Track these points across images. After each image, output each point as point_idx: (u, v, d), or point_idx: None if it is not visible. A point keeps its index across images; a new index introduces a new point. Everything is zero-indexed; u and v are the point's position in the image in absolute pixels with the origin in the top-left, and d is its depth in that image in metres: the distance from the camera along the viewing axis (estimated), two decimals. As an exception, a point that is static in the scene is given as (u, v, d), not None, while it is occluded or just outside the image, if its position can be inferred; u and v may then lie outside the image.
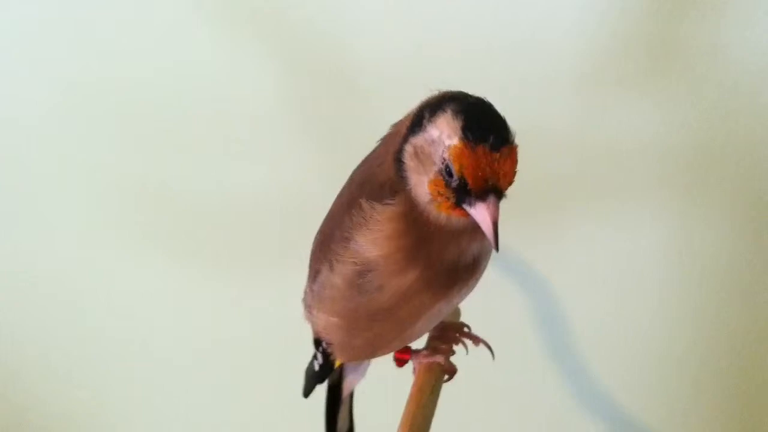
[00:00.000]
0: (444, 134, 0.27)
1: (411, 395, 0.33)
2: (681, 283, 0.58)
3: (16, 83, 0.61)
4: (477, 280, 0.31)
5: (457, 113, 0.27)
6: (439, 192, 0.28)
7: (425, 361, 0.34)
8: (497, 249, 0.27)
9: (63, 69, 0.60)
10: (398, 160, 0.29)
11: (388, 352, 0.34)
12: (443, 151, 0.27)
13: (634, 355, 0.60)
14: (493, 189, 0.27)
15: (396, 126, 0.31)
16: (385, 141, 0.32)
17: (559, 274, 0.59)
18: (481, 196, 0.27)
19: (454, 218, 0.28)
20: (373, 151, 0.32)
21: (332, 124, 0.57)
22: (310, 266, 0.33)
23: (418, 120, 0.29)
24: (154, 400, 0.70)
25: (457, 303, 0.32)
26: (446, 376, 0.35)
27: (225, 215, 0.61)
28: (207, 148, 0.60)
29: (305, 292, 0.34)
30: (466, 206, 0.27)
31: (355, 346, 0.33)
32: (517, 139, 0.28)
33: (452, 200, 0.28)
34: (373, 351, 0.33)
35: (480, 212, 0.27)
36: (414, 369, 0.35)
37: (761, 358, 0.59)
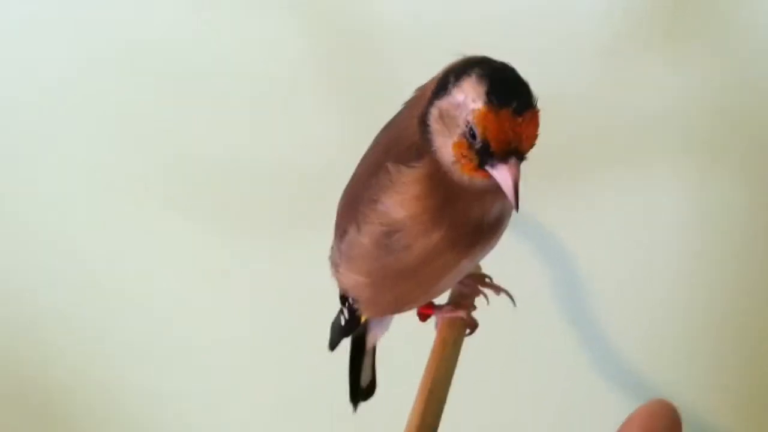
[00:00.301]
0: (469, 98, 0.28)
1: (433, 349, 0.34)
2: (702, 247, 0.58)
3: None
4: (498, 238, 0.32)
5: (481, 77, 0.28)
6: (462, 154, 0.29)
7: (447, 315, 0.35)
8: (517, 209, 0.28)
9: (79, 39, 0.59)
10: (424, 123, 0.30)
11: (413, 308, 0.35)
12: (467, 114, 0.28)
13: (653, 319, 0.60)
14: (515, 151, 0.28)
15: (421, 90, 0.32)
16: (410, 105, 0.33)
17: (578, 239, 0.59)
18: (503, 158, 0.28)
19: (478, 179, 0.29)
20: (398, 115, 0.33)
21: (356, 86, 0.57)
22: (337, 225, 0.34)
23: (443, 84, 0.29)
24: (167, 373, 0.69)
25: (480, 260, 0.33)
26: (468, 330, 0.36)
27: (246, 178, 0.61)
28: (226, 109, 0.60)
29: (332, 250, 0.35)
30: (488, 168, 0.28)
31: (382, 302, 0.34)
32: (540, 104, 0.28)
33: (475, 162, 0.29)
34: (399, 307, 0.35)
35: (502, 174, 0.28)
36: (436, 323, 0.36)
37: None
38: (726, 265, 0.58)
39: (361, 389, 0.42)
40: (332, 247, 0.35)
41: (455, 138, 0.28)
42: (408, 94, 0.33)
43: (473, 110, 0.28)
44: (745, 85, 0.52)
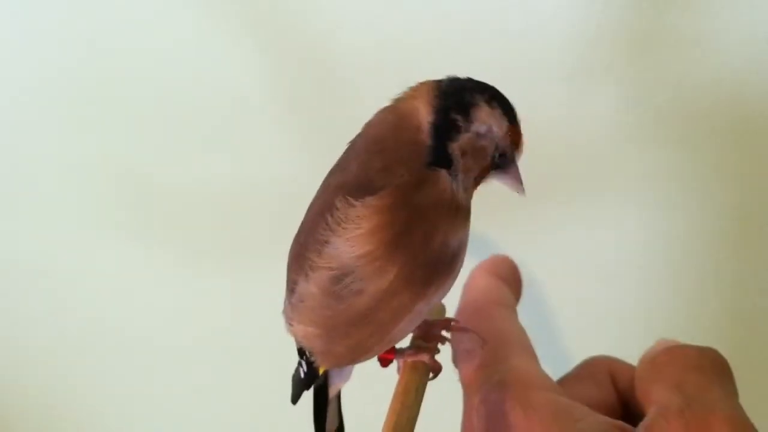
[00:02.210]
0: (493, 125, 0.30)
1: (395, 395, 0.32)
2: (664, 269, 0.58)
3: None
4: (454, 279, 0.31)
5: (491, 104, 0.30)
6: (484, 174, 0.32)
7: (410, 360, 0.34)
8: (524, 191, 0.33)
9: (42, 66, 0.58)
10: (437, 160, 0.30)
11: (370, 357, 0.33)
12: (497, 138, 0.31)
13: (617, 341, 0.60)
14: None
15: (359, 138, 0.31)
16: (352, 149, 0.31)
17: (542, 263, 0.58)
18: (514, 159, 0.32)
19: (459, 201, 0.31)
20: (346, 158, 0.31)
21: (317, 114, 0.57)
22: (287, 280, 0.33)
23: (447, 124, 0.30)
24: (139, 388, 0.69)
25: (436, 302, 0.32)
26: (431, 374, 0.34)
27: (208, 207, 0.60)
28: (188, 139, 0.59)
29: (284, 304, 0.33)
30: (499, 174, 0.32)
31: (336, 354, 0.32)
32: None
33: (486, 176, 0.32)
34: (355, 357, 0.33)
35: (514, 171, 0.32)
36: (398, 368, 0.35)
37: (742, 340, 0.59)
38: (690, 287, 0.58)
39: None
40: (284, 302, 0.33)
41: (484, 163, 0.31)
42: (369, 115, 0.32)
43: (504, 134, 0.31)
44: (710, 109, 0.53)
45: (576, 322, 0.60)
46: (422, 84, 0.31)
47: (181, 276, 0.63)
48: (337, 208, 0.29)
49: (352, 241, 0.28)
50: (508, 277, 0.40)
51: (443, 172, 0.30)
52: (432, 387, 0.34)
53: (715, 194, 0.55)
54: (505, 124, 0.30)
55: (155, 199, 0.61)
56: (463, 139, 0.30)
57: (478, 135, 0.30)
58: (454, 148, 0.30)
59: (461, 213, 0.30)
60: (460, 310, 0.37)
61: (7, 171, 0.63)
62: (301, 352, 0.35)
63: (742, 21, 0.50)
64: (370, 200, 0.28)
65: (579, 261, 0.58)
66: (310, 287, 0.30)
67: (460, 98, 0.30)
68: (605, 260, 0.58)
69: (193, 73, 0.57)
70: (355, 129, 0.33)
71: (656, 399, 0.28)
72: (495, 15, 0.51)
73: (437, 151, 0.30)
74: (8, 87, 0.60)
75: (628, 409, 0.33)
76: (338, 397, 0.40)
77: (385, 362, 0.35)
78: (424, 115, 0.30)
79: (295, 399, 0.37)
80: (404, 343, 0.35)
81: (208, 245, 0.62)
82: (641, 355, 0.31)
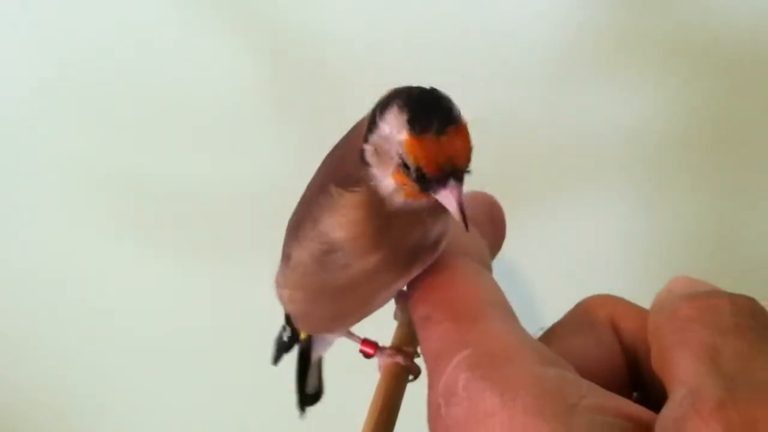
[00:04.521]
0: (394, 130, 0.27)
1: (373, 399, 0.32)
2: (645, 264, 0.58)
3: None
4: (436, 256, 0.31)
5: (402, 107, 0.27)
6: (403, 183, 0.28)
7: (389, 360, 0.33)
8: (467, 229, 0.27)
9: (33, 66, 0.58)
10: (362, 159, 0.29)
11: (348, 326, 0.34)
12: (396, 146, 0.27)
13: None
14: (452, 172, 0.27)
15: (360, 122, 0.31)
16: (351, 133, 0.31)
17: (527, 258, 0.58)
18: (442, 181, 0.27)
19: (421, 201, 0.28)
20: (342, 141, 0.32)
21: (310, 114, 0.56)
22: (283, 251, 0.33)
23: (372, 119, 0.28)
24: (136, 393, 0.69)
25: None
26: (411, 376, 0.34)
27: (203, 205, 0.60)
28: (182, 138, 0.59)
29: (277, 274, 0.34)
30: (431, 193, 0.27)
31: (317, 318, 0.33)
32: (466, 117, 0.27)
33: (416, 189, 0.27)
34: (333, 324, 0.34)
35: (444, 198, 0.27)
36: (379, 366, 0.34)
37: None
38: (668, 278, 0.58)
39: (307, 395, 0.42)
40: (278, 271, 0.34)
41: (392, 169, 0.28)
42: (358, 117, 0.32)
43: (400, 142, 0.27)
44: (686, 110, 0.53)
45: (559, 313, 0.60)
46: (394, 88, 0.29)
47: (174, 274, 0.63)
48: (330, 194, 0.29)
49: (340, 225, 0.29)
50: (481, 219, 0.33)
51: (365, 172, 0.28)
52: (413, 389, 0.34)
53: (697, 188, 0.55)
54: (403, 133, 0.26)
55: (149, 198, 0.60)
56: (374, 136, 0.28)
57: (385, 137, 0.27)
58: (368, 144, 0.28)
59: (425, 212, 0.28)
60: None
61: (2, 170, 0.62)
62: (288, 318, 0.36)
63: (724, 19, 0.50)
64: (352, 194, 0.29)
65: (563, 255, 0.58)
66: (303, 256, 0.31)
67: (391, 99, 0.28)
68: (589, 254, 0.58)
69: (186, 73, 0.57)
70: (343, 131, 0.33)
71: (683, 375, 0.21)
72: (480, 17, 0.51)
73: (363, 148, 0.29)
74: (4, 87, 0.59)
75: (635, 368, 0.26)
76: (320, 361, 0.41)
77: (366, 355, 0.35)
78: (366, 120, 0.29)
79: (275, 360, 0.39)
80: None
81: (202, 243, 0.62)
82: (656, 297, 0.24)
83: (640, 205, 0.56)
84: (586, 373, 0.23)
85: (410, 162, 0.27)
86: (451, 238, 0.30)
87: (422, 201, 0.28)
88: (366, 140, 0.28)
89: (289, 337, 0.37)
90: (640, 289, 0.57)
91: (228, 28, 0.55)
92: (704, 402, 0.19)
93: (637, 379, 0.26)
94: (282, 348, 0.38)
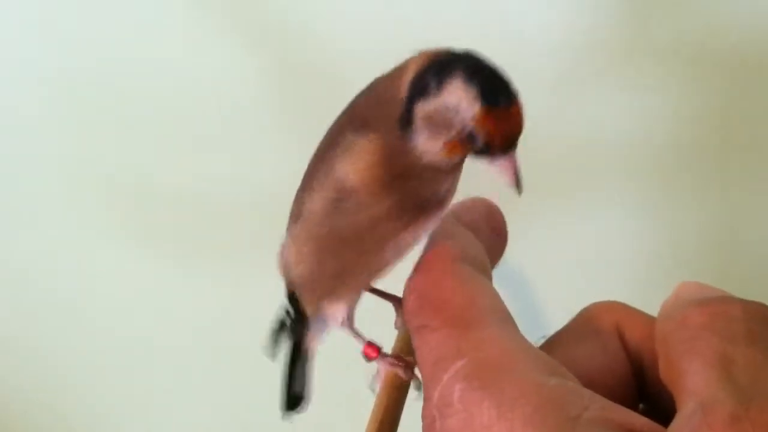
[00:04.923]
0: (462, 102, 0.27)
1: (373, 410, 0.31)
2: (650, 268, 0.58)
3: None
4: (443, 213, 0.31)
5: (469, 78, 0.27)
6: (455, 152, 0.28)
7: (389, 368, 0.33)
8: (520, 193, 0.28)
9: (37, 68, 0.58)
10: (405, 120, 0.28)
11: (356, 288, 0.33)
12: (465, 119, 0.27)
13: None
14: (512, 143, 0.28)
15: (385, 78, 0.31)
16: (374, 88, 0.31)
17: (529, 264, 0.58)
18: (504, 152, 0.28)
19: (452, 161, 0.28)
20: (361, 95, 0.32)
21: (313, 118, 0.56)
22: (292, 213, 0.33)
23: (422, 85, 0.28)
24: (133, 393, 0.69)
25: (423, 236, 0.31)
26: (415, 386, 0.32)
27: (202, 209, 0.60)
28: (184, 140, 0.58)
29: (282, 244, 0.34)
30: (485, 161, 0.28)
31: (324, 278, 0.32)
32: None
33: (466, 155, 0.28)
34: (339, 284, 0.32)
35: (503, 166, 0.28)
36: (377, 372, 0.34)
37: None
38: (678, 278, 0.58)
39: (293, 396, 0.39)
40: (283, 240, 0.34)
41: (447, 139, 0.28)
42: None
43: (472, 116, 0.27)
44: (697, 111, 0.53)
45: (562, 320, 0.60)
46: (429, 49, 0.30)
47: (176, 275, 0.63)
48: (346, 139, 0.30)
49: (354, 172, 0.29)
50: (480, 225, 0.32)
51: (407, 131, 0.28)
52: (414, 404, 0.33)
53: (702, 193, 0.55)
54: (477, 107, 0.27)
55: (151, 200, 0.60)
56: (429, 104, 0.28)
57: (446, 107, 0.27)
58: (419, 109, 0.28)
59: (443, 169, 0.29)
60: (412, 273, 0.30)
61: (5, 170, 0.62)
62: (291, 297, 0.35)
63: (729, 23, 0.50)
64: (369, 141, 0.29)
65: (566, 260, 0.58)
66: (314, 205, 0.31)
67: (445, 66, 0.28)
68: (592, 258, 0.58)
69: (188, 74, 0.57)
70: None
71: (693, 386, 0.19)
72: (485, 21, 0.51)
73: (407, 110, 0.28)
74: (5, 90, 0.59)
75: (642, 377, 0.25)
76: (310, 363, 0.39)
77: (368, 358, 0.34)
78: (410, 72, 0.29)
79: (271, 350, 0.37)
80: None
81: (205, 246, 0.61)
82: (663, 304, 0.24)
83: (643, 209, 0.56)
84: (590, 382, 0.22)
85: (481, 135, 0.27)
86: (447, 243, 0.29)
87: (455, 160, 0.28)
88: (414, 101, 0.28)
89: (290, 319, 0.36)
90: (644, 294, 0.57)
91: (234, 31, 0.55)
92: (716, 415, 0.18)
93: (644, 390, 0.25)
94: (279, 332, 0.37)
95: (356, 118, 0.31)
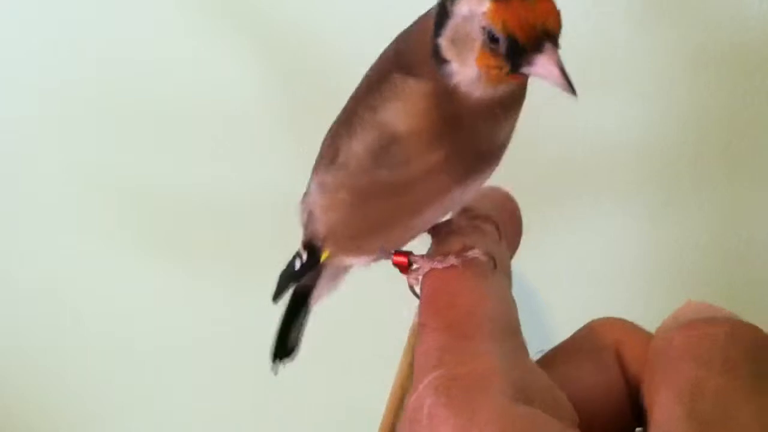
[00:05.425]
0: (473, 5, 0.25)
1: (392, 389, 0.30)
2: (655, 275, 0.57)
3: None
4: (493, 170, 0.28)
5: None
6: (490, 65, 0.25)
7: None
8: (575, 93, 0.25)
9: (41, 72, 0.58)
10: (436, 56, 0.26)
11: (385, 241, 0.30)
12: (479, 20, 0.25)
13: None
14: (546, 36, 0.25)
15: (419, 22, 0.28)
16: (411, 32, 0.29)
17: (533, 271, 0.58)
18: (537, 47, 0.25)
19: (504, 88, 0.26)
20: (410, 29, 0.29)
21: (317, 125, 0.56)
22: (323, 153, 0.30)
23: (441, 14, 0.26)
24: (138, 400, 0.68)
25: (471, 194, 0.29)
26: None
27: (207, 215, 0.60)
28: (189, 148, 0.58)
29: (308, 187, 0.31)
30: (524, 68, 0.25)
31: (356, 228, 0.30)
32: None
33: (506, 67, 0.25)
34: (372, 237, 0.29)
35: (542, 65, 0.25)
36: (418, 281, 0.28)
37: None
38: (681, 294, 0.57)
39: (286, 348, 0.37)
40: (309, 184, 0.31)
41: (476, 53, 0.25)
42: None
43: (484, 12, 0.25)
44: (701, 126, 0.52)
45: (567, 328, 0.59)
46: None
47: (178, 281, 0.62)
48: (393, 82, 0.27)
49: (404, 115, 0.27)
50: (499, 217, 0.30)
51: (443, 68, 0.26)
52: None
53: (707, 201, 0.54)
54: (485, 3, 0.24)
55: (153, 207, 0.60)
56: (448, 27, 0.26)
57: (462, 20, 0.25)
58: (442, 39, 0.26)
59: (498, 104, 0.26)
60: (432, 261, 0.28)
61: (8, 181, 0.62)
62: (307, 243, 0.32)
63: (735, 30, 0.50)
64: (418, 82, 0.27)
65: (571, 267, 0.57)
66: (357, 148, 0.28)
67: None
68: (597, 266, 0.57)
69: (192, 83, 0.57)
70: None
71: (659, 418, 0.19)
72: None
73: (435, 44, 0.26)
74: (9, 97, 0.59)
75: (638, 399, 0.24)
76: (307, 315, 0.37)
77: (401, 267, 0.30)
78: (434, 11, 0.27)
79: (278, 295, 0.34)
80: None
81: (207, 252, 0.61)
82: (663, 322, 0.22)
83: (650, 218, 0.55)
84: (585, 401, 0.22)
85: (499, 31, 0.25)
86: (470, 239, 0.27)
87: (507, 86, 0.26)
88: (438, 35, 0.26)
89: (303, 264, 0.32)
90: (647, 302, 0.57)
91: (239, 39, 0.55)
92: None
93: (641, 412, 0.24)
94: (290, 277, 0.33)
95: (401, 58, 0.28)
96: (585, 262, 0.57)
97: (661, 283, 0.57)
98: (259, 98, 0.56)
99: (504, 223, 0.30)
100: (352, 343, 0.59)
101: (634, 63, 0.51)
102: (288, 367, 0.38)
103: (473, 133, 0.27)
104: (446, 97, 0.26)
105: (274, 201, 0.57)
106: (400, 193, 0.27)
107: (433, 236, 0.30)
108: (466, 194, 0.28)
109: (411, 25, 0.29)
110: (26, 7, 0.57)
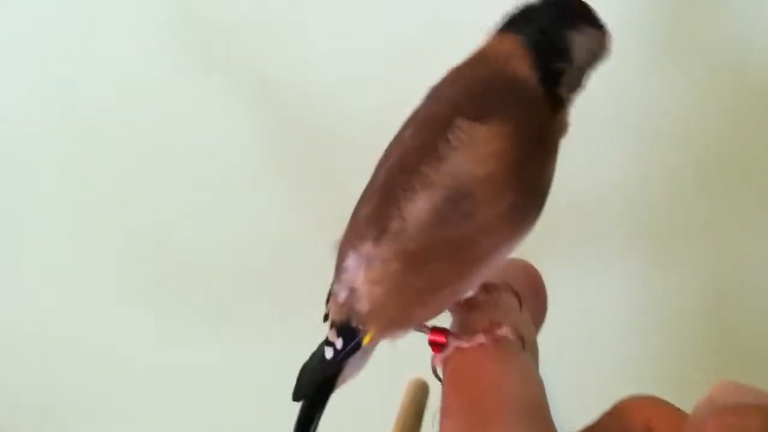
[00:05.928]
0: (595, 45, 0.29)
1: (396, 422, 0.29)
2: (656, 328, 0.57)
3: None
4: (534, 225, 0.28)
5: (580, 30, 0.29)
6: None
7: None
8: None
9: (36, 120, 0.58)
10: (547, 81, 0.28)
11: (431, 311, 0.28)
12: (600, 55, 0.29)
13: (596, 398, 0.58)
14: None
15: (469, 62, 0.29)
16: (461, 72, 0.29)
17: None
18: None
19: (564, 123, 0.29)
20: (455, 74, 0.30)
21: (316, 175, 0.56)
22: (361, 230, 0.28)
23: (551, 74, 0.28)
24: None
25: (515, 249, 0.28)
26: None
27: (205, 265, 0.59)
28: (188, 197, 0.58)
29: (340, 269, 0.29)
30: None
31: (404, 298, 0.28)
32: None
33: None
34: (420, 305, 0.28)
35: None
36: (442, 361, 0.28)
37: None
38: (663, 344, 0.57)
39: None
40: (338, 266, 0.29)
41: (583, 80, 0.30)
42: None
43: (602, 45, 0.29)
44: (692, 159, 0.53)
45: (566, 380, 0.59)
46: (502, 42, 0.29)
47: (178, 334, 0.61)
48: (459, 128, 0.27)
49: (477, 161, 0.26)
50: (524, 291, 0.29)
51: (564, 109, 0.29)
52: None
53: (708, 254, 0.54)
54: (602, 37, 0.29)
55: (152, 258, 0.60)
56: (568, 77, 0.29)
57: (583, 64, 0.29)
58: (563, 90, 0.29)
59: (556, 145, 0.29)
60: (459, 340, 0.27)
61: (9, 226, 0.62)
62: (343, 326, 0.30)
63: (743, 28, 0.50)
64: (495, 124, 0.26)
65: (570, 319, 0.57)
66: (419, 205, 0.27)
67: (551, 43, 0.28)
68: (596, 320, 0.57)
69: (188, 133, 0.57)
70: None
71: None
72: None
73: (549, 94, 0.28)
74: (12, 142, 0.59)
75: None
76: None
77: (436, 346, 0.29)
78: (528, 73, 0.28)
79: (304, 392, 0.31)
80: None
81: (204, 303, 0.60)
82: (697, 404, 0.22)
83: (651, 268, 0.55)
84: None
85: (604, 52, 0.29)
86: (498, 315, 0.27)
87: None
88: (559, 84, 0.28)
89: (339, 351, 0.30)
90: (648, 353, 0.56)
91: (232, 88, 0.55)
92: None
93: None
94: (320, 372, 0.30)
95: (466, 108, 0.27)
96: (584, 312, 0.57)
97: (663, 332, 0.57)
98: (257, 151, 0.56)
99: (524, 293, 0.29)
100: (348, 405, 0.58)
101: (635, 102, 0.52)
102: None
103: (542, 168, 0.27)
104: (520, 134, 0.26)
105: (273, 250, 0.57)
106: (459, 250, 0.26)
107: (453, 313, 0.30)
108: (514, 248, 0.28)
109: (452, 75, 0.30)
110: (24, 60, 0.57)
